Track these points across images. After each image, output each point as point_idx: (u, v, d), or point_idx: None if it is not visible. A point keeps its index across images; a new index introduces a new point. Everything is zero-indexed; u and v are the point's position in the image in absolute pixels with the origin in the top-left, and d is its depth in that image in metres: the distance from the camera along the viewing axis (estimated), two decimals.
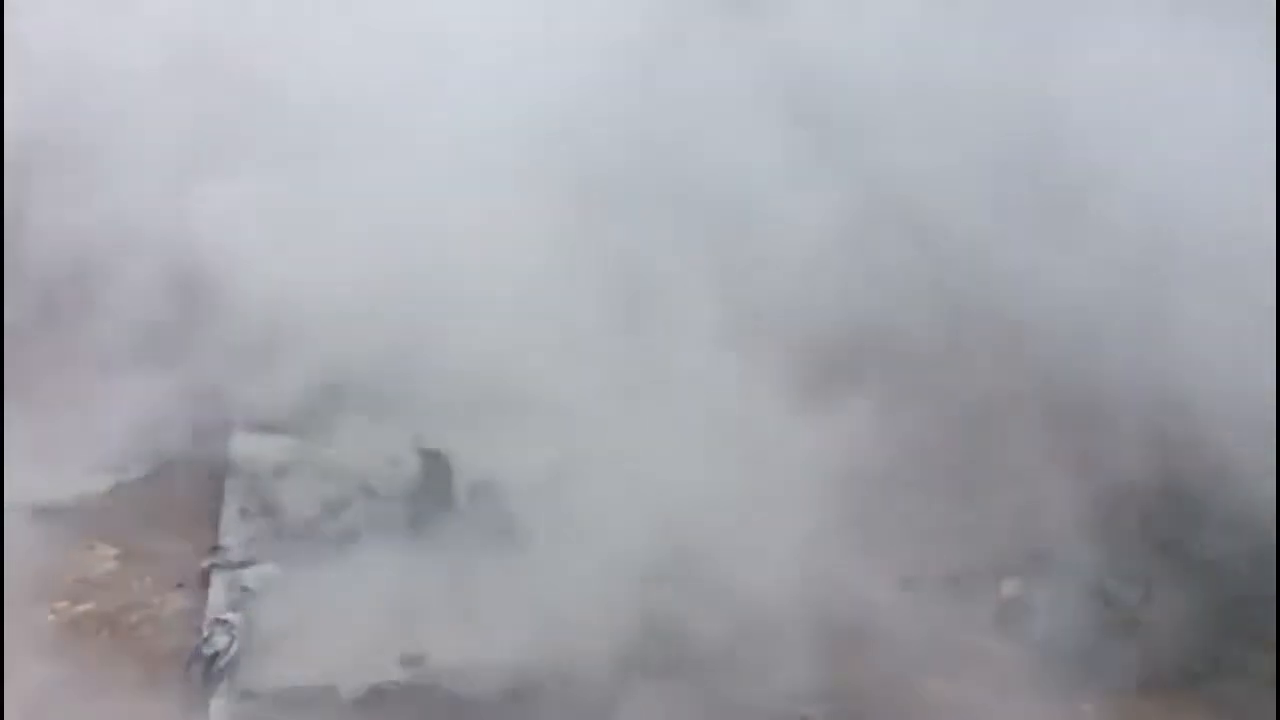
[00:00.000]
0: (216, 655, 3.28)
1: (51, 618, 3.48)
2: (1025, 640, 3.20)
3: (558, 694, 3.15)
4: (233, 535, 3.68)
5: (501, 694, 3.15)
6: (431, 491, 3.72)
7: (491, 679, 3.19)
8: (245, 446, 4.02)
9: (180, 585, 3.51)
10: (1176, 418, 3.80)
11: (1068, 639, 3.17)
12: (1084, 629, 3.20)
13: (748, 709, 3.10)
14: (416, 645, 3.28)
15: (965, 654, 3.19)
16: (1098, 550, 3.40)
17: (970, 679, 3.12)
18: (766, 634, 3.28)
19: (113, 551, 3.72)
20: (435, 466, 3.75)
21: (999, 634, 3.23)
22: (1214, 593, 3.22)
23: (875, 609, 3.34)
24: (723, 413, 4.00)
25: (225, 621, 3.38)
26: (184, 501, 3.88)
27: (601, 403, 4.01)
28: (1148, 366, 3.97)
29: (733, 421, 4.00)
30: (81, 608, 3.51)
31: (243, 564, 3.58)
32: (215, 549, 3.65)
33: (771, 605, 3.35)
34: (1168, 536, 3.45)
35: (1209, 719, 2.93)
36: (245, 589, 3.50)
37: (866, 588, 3.40)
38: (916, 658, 3.20)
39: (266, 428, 4.09)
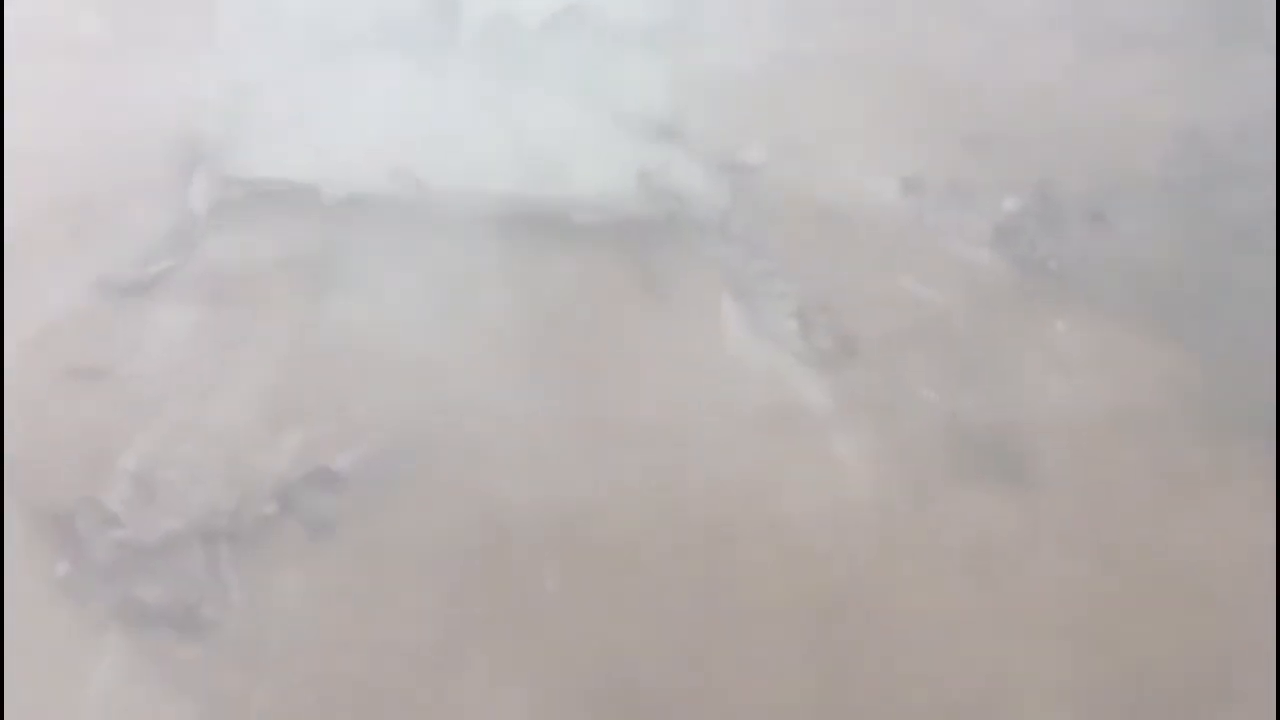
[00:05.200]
0: (202, 138, 3.22)
1: (24, 79, 3.37)
2: (1015, 257, 3.20)
3: (540, 222, 3.13)
4: (228, 22, 3.54)
5: (483, 220, 3.13)
6: (438, 10, 3.57)
7: (477, 206, 3.15)
8: None
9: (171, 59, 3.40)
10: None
11: (1057, 261, 3.18)
12: (1076, 254, 3.20)
13: (721, 263, 3.10)
14: (406, 163, 3.22)
15: (950, 260, 3.20)
16: (1107, 181, 3.38)
17: (947, 283, 3.13)
18: (758, 204, 3.26)
19: (107, 20, 3.58)
20: None
21: (990, 247, 3.22)
22: (1215, 240, 3.23)
23: (870, 203, 3.32)
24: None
25: (215, 107, 3.31)
26: None
27: None
28: None
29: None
30: (73, 68, 3.41)
31: (236, 53, 3.46)
32: (208, 33, 3.51)
33: (767, 178, 3.32)
34: (1183, 178, 3.42)
35: (1175, 351, 2.97)
36: (237, 78, 3.39)
37: (865, 183, 3.37)
38: (901, 258, 3.20)
39: None
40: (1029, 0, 4.01)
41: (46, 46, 3.44)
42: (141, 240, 2.98)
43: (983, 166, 3.42)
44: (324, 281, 2.96)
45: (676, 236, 3.16)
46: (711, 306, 3.01)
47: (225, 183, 3.12)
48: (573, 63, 3.54)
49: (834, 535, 2.59)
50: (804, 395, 2.85)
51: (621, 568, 2.50)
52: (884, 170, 3.40)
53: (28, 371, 2.70)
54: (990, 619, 2.50)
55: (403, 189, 3.14)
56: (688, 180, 3.26)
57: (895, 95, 3.65)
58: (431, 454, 2.64)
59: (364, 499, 2.54)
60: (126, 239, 2.97)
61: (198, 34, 3.50)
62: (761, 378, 2.88)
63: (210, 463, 2.57)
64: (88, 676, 2.29)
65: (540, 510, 2.56)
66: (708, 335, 2.96)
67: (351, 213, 3.10)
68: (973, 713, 2.38)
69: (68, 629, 2.34)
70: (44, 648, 2.32)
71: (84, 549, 2.41)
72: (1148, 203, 3.32)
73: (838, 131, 3.51)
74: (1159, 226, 3.26)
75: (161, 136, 3.24)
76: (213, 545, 2.44)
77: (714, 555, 2.53)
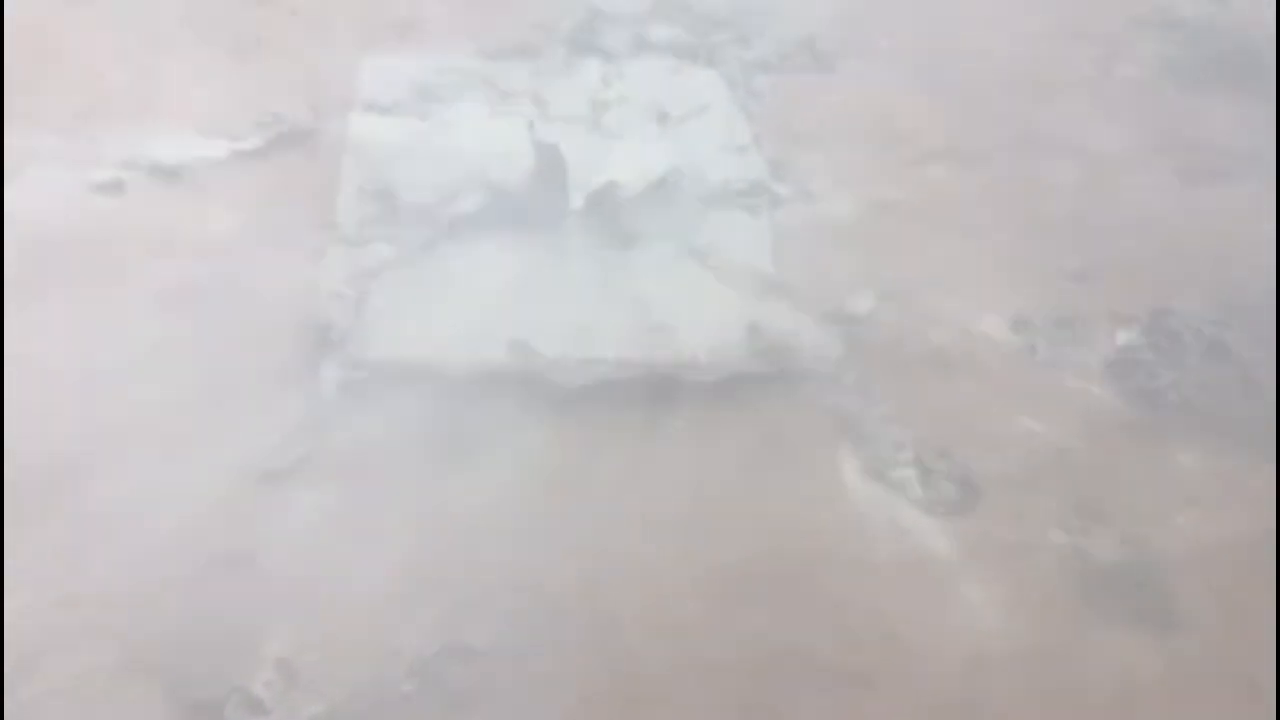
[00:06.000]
0: (330, 325, 3.35)
1: (167, 276, 3.54)
2: (1133, 390, 3.19)
3: (655, 384, 3.19)
4: (349, 214, 3.70)
5: (599, 385, 3.20)
6: (546, 187, 3.70)
7: (592, 372, 3.23)
8: (363, 127, 4.01)
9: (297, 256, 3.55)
10: None
11: (1178, 392, 3.16)
12: (1195, 383, 3.18)
13: (836, 414, 3.13)
14: (523, 335, 3.32)
15: (1066, 397, 3.19)
16: (1219, 306, 3.37)
17: (1065, 420, 3.12)
18: (868, 352, 3.29)
19: (229, 218, 3.76)
20: (551, 161, 3.72)
21: (1105, 381, 3.22)
22: None
23: (981, 344, 3.33)
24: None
25: (340, 295, 3.45)
26: (300, 177, 3.89)
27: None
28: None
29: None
30: (198, 269, 3.57)
31: (358, 242, 3.62)
32: (332, 226, 3.67)
33: (876, 325, 3.37)
34: None
35: None
36: (360, 266, 3.54)
37: (974, 324, 3.39)
38: (1016, 397, 3.21)
39: (385, 110, 4.09)
40: (1124, 131, 4.05)
41: (180, 244, 3.62)
42: (276, 426, 3.09)
43: (1092, 299, 3.43)
44: (451, 455, 3.04)
45: (790, 389, 3.21)
46: (829, 457, 3.04)
47: (353, 365, 3.24)
48: (676, 226, 3.63)
49: (972, 684, 2.57)
50: (929, 542, 2.85)
51: None
52: (992, 309, 3.42)
53: (173, 561, 2.80)
54: None
55: (521, 361, 3.23)
56: (797, 332, 3.31)
57: (997, 233, 3.68)
58: (564, 619, 2.68)
59: (499, 670, 2.58)
60: (262, 426, 3.08)
61: (320, 225, 3.66)
62: (884, 526, 2.88)
63: (350, 642, 2.63)
64: None
65: (674, 670, 2.58)
66: (828, 486, 2.98)
67: (473, 387, 3.19)
68: None
69: None
70: None
71: None
72: (1263, 326, 3.30)
73: (942, 273, 3.55)
74: (1276, 350, 3.23)
75: (290, 324, 3.37)
76: None
77: (853, 708, 2.52)
